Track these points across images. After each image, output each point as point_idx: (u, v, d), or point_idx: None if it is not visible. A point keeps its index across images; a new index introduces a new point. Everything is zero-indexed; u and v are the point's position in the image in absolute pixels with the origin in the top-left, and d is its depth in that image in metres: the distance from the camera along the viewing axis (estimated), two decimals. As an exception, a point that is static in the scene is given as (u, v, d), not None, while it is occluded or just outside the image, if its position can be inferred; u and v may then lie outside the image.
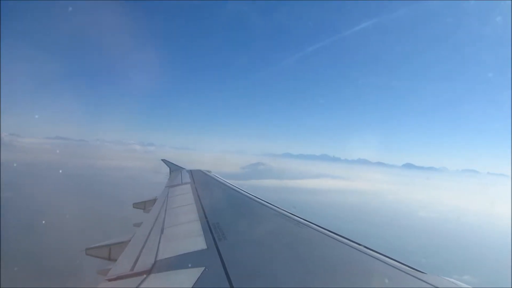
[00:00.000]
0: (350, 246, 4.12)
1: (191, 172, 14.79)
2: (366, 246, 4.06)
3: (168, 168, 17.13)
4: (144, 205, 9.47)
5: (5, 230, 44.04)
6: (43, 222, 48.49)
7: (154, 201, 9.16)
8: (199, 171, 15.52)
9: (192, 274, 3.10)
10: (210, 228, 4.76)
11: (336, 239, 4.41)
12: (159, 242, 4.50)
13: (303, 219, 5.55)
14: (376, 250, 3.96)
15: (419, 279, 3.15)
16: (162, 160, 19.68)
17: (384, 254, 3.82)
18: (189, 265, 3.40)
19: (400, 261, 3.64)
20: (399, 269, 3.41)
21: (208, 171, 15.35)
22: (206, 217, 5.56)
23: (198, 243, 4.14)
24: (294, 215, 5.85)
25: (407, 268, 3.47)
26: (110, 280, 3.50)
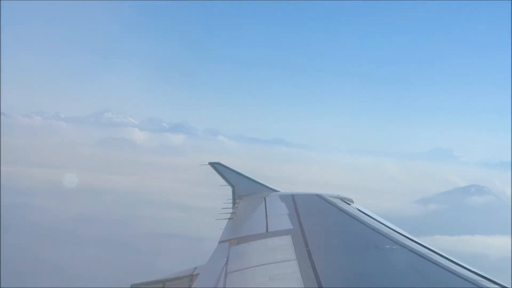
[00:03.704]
0: None
1: (293, 199, 7.02)
2: None
3: (229, 189, 8.66)
4: None
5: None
6: None
7: (190, 278, 4.54)
8: (318, 197, 7.40)
9: None
10: None
11: None
12: None
13: None
14: None
15: None
16: (211, 164, 9.17)
17: None
18: None
19: None
20: None
21: (346, 201, 7.26)
22: None
23: None
24: None
25: None
26: None
